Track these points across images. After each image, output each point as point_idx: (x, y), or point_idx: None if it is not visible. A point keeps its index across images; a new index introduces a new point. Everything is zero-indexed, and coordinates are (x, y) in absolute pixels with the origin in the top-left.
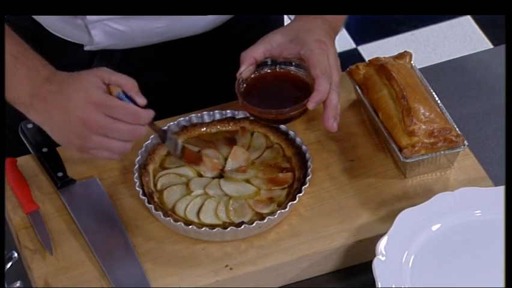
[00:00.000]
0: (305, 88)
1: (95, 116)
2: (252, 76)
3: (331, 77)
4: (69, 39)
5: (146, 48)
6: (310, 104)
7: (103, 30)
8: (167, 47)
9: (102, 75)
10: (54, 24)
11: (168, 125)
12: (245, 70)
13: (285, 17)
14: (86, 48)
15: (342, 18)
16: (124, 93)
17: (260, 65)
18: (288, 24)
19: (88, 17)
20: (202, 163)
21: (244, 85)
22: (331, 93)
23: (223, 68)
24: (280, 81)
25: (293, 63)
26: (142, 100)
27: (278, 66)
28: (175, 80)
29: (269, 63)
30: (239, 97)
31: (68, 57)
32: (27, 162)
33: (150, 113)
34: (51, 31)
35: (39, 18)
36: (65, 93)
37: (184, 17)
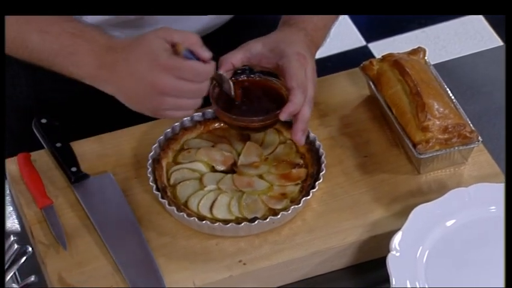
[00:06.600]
0: (279, 99)
1: (165, 79)
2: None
3: (306, 91)
4: None
5: None
6: (283, 115)
7: None
8: None
9: (164, 35)
10: None
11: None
12: None
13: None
14: None
15: (325, 33)
16: (188, 49)
17: (237, 71)
18: (270, 34)
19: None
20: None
21: (219, 90)
22: (304, 106)
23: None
24: (255, 89)
25: (270, 73)
26: (207, 54)
27: (255, 74)
28: None
29: (246, 70)
30: (212, 101)
31: None
32: (41, 157)
33: (213, 66)
34: None
35: None
36: (131, 60)
37: (180, 22)
